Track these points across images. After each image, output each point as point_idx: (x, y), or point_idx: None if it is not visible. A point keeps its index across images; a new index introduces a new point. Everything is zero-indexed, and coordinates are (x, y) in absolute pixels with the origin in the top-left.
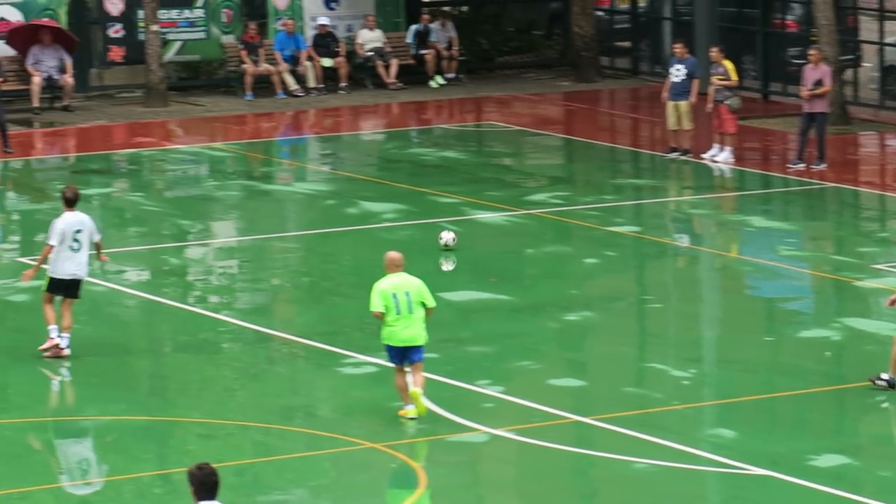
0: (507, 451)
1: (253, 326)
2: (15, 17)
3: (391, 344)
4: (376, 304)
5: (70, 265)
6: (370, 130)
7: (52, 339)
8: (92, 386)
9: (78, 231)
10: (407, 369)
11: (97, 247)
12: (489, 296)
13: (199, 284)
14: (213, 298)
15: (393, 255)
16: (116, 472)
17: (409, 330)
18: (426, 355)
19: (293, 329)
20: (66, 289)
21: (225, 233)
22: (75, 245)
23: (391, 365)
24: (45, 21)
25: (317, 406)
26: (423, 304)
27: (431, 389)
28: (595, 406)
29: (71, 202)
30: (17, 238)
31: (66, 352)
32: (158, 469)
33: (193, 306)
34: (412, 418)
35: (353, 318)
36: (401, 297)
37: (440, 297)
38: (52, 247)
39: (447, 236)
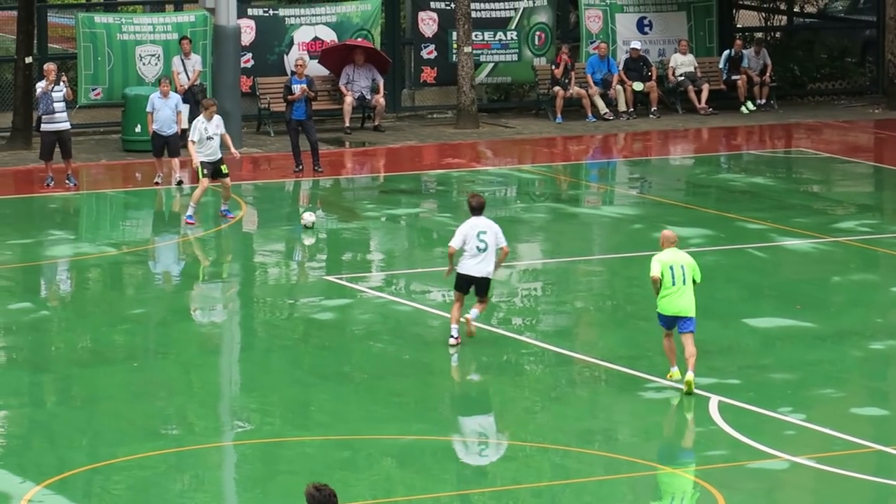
0: (807, 479)
1: (555, 349)
2: (329, 37)
3: (665, 313)
4: (656, 271)
5: (472, 262)
6: (679, 155)
7: (454, 336)
8: (393, 405)
9: (482, 232)
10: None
11: (503, 253)
12: (793, 323)
13: (503, 306)
14: (517, 320)
15: (668, 232)
16: (416, 491)
17: (682, 300)
18: (728, 381)
19: (595, 352)
20: (471, 286)
21: (530, 255)
22: (481, 245)
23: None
24: (359, 41)
25: (616, 430)
26: (693, 280)
27: (732, 415)
28: None
29: (475, 210)
30: (323, 256)
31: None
32: (458, 489)
33: (497, 327)
34: (678, 382)
35: (655, 342)
36: (677, 270)
37: (744, 324)
38: (453, 248)
39: (308, 218)
